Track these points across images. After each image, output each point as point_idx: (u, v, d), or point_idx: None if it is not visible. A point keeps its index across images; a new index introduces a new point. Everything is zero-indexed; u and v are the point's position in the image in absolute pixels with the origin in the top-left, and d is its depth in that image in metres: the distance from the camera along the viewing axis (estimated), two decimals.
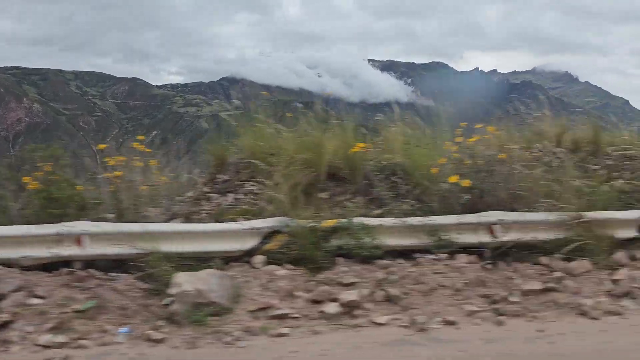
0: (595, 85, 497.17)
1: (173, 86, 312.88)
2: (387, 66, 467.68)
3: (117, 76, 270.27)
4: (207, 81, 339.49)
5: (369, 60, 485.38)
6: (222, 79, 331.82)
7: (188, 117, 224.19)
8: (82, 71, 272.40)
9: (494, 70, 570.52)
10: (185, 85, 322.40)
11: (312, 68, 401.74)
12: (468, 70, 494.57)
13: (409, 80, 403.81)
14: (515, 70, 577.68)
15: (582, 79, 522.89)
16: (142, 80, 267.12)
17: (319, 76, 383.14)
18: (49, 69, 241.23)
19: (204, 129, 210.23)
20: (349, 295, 4.30)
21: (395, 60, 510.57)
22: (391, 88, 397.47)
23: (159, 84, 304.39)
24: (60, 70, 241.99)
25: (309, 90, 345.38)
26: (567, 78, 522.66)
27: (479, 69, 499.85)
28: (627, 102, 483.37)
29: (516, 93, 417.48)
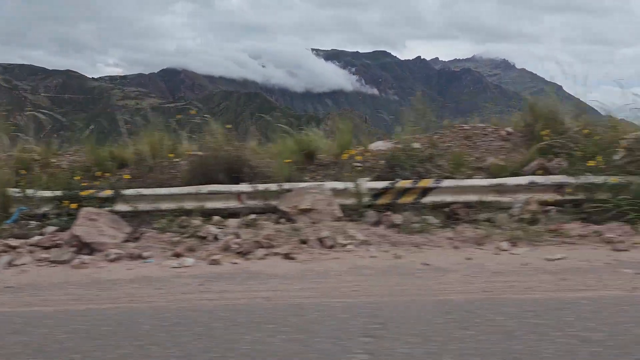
0: (531, 72, 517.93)
1: (112, 78, 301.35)
2: (332, 55, 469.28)
3: (50, 69, 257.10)
4: (147, 73, 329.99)
5: (313, 49, 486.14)
6: (163, 70, 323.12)
7: (127, 110, 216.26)
8: (12, 64, 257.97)
9: (436, 59, 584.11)
10: (125, 77, 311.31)
11: (256, 58, 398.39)
12: (411, 59, 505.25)
13: (353, 69, 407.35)
14: (456, 58, 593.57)
15: (518, 66, 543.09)
16: (77, 72, 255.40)
17: (263, 66, 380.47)
18: None
19: (143, 123, 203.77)
20: None
21: (340, 49, 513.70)
22: (336, 77, 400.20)
23: (95, 77, 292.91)
24: None
25: (252, 80, 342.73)
26: (505, 65, 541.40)
27: (421, 57, 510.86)
28: (560, 87, 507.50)
29: (457, 80, 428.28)
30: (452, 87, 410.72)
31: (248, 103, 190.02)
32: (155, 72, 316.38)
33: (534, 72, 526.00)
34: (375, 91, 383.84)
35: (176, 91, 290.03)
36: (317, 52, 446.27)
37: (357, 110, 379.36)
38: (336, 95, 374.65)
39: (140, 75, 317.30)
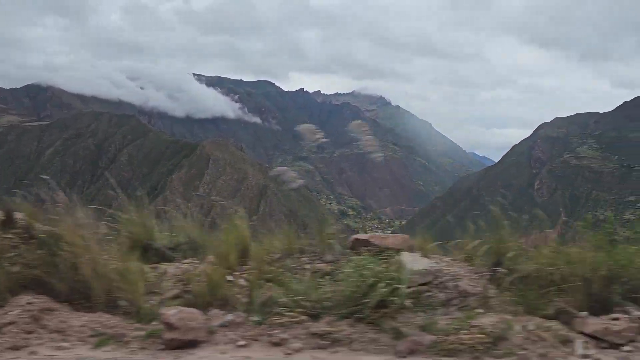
0: (405, 109, 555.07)
1: None
2: (214, 81, 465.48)
3: None
4: (8, 88, 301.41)
5: (195, 74, 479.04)
6: (27, 85, 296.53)
7: None
8: None
9: (318, 92, 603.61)
10: None
11: (134, 79, 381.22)
12: (294, 90, 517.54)
13: (236, 97, 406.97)
14: (337, 92, 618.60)
15: (394, 103, 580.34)
16: None
17: (142, 88, 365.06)
18: None
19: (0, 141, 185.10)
20: None
21: (223, 76, 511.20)
22: (218, 104, 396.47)
23: None
24: None
25: (129, 102, 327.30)
26: (382, 102, 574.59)
27: (304, 89, 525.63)
28: (430, 125, 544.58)
29: (337, 113, 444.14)
30: (332, 120, 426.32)
31: (120, 125, 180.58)
32: (18, 87, 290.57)
33: (407, 110, 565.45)
34: (257, 120, 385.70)
35: (41, 109, 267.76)
36: (199, 77, 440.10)
37: (239, 138, 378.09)
38: (218, 121, 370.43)
39: (0, 90, 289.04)
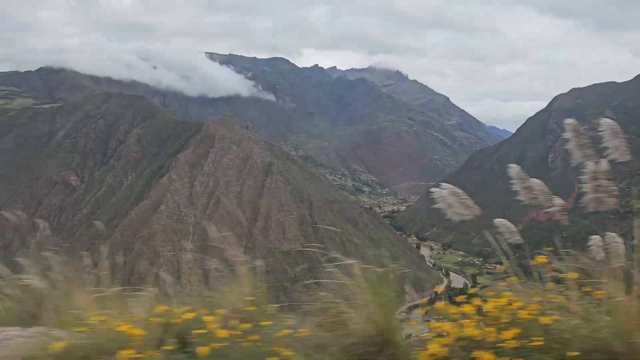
0: (421, 84, 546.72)
1: None
2: (228, 60, 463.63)
3: None
4: (23, 70, 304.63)
5: (208, 53, 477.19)
6: (41, 68, 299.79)
7: None
8: None
9: (334, 67, 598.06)
10: None
11: (146, 60, 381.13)
12: (309, 67, 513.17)
13: (249, 74, 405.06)
14: (353, 68, 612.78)
15: (410, 78, 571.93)
16: None
17: (154, 67, 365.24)
18: None
19: (11, 124, 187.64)
20: None
21: (237, 54, 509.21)
22: (232, 82, 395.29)
23: None
24: None
25: (142, 82, 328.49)
26: (398, 76, 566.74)
27: (319, 66, 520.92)
28: (447, 99, 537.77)
29: (352, 89, 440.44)
30: (347, 96, 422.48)
31: (130, 106, 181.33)
32: (32, 70, 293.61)
33: (424, 84, 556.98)
34: (272, 97, 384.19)
35: (55, 91, 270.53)
36: (212, 56, 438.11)
37: (253, 116, 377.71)
38: (232, 100, 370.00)
39: (15, 72, 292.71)
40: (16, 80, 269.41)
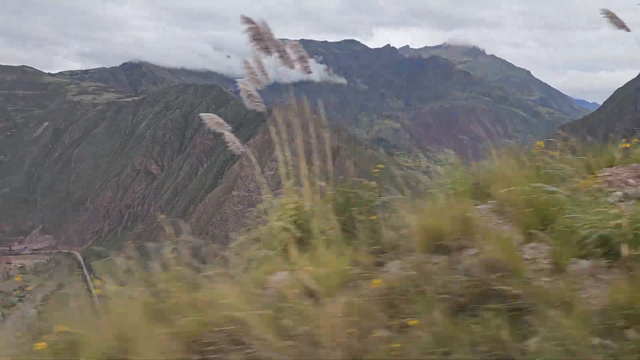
0: (500, 58, 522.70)
1: (72, 73, 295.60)
2: (300, 45, 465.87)
3: (4, 65, 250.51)
4: (108, 67, 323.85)
5: (280, 39, 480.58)
6: (125, 64, 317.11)
7: (82, 105, 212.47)
8: None
9: (407, 47, 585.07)
10: (86, 72, 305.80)
11: (219, 49, 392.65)
12: (380, 47, 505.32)
13: (320, 58, 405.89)
14: (427, 46, 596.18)
15: (488, 52, 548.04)
16: (32, 68, 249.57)
17: (228, 56, 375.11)
18: None
19: (99, 117, 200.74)
20: None
21: (308, 39, 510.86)
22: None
23: (54, 72, 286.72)
24: None
25: (216, 71, 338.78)
26: (475, 52, 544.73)
27: (391, 45, 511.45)
28: (528, 72, 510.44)
29: (424, 68, 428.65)
30: (420, 75, 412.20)
31: (204, 95, 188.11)
32: (117, 65, 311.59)
33: (503, 58, 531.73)
34: (342, 80, 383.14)
35: (138, 85, 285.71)
36: (283, 41, 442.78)
37: (326, 99, 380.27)
38: (304, 85, 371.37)
39: (102, 69, 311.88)
40: (103, 76, 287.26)
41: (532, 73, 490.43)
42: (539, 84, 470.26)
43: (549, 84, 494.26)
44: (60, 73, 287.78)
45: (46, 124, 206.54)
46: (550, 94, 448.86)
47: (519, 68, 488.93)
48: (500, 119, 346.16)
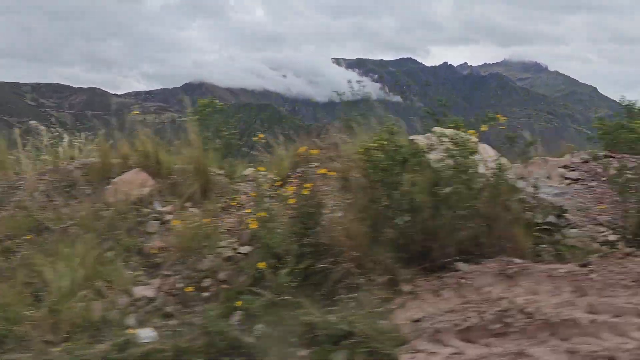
0: (564, 74, 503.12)
1: (137, 94, 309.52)
2: (355, 64, 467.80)
3: (76, 87, 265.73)
4: (170, 87, 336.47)
5: (334, 59, 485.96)
6: (185, 84, 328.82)
7: (145, 124, 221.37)
8: (40, 83, 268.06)
9: (464, 64, 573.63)
10: (150, 92, 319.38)
11: (275, 69, 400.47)
12: (437, 65, 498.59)
13: (375, 77, 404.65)
14: (486, 63, 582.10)
15: (551, 68, 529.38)
16: (101, 89, 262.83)
17: (284, 76, 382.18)
18: (4, 82, 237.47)
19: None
20: None
21: (364, 57, 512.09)
22: (357, 86, 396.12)
23: (121, 93, 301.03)
24: (16, 83, 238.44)
25: (273, 91, 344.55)
26: (537, 68, 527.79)
27: (448, 63, 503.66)
28: (595, 89, 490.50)
29: (483, 85, 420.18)
30: (477, 92, 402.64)
31: (259, 114, 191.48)
32: (178, 86, 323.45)
33: (567, 75, 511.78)
34: (398, 98, 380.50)
35: (197, 105, 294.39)
36: (337, 61, 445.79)
37: (379, 117, 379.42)
38: (359, 103, 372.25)
39: (164, 90, 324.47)
40: (165, 96, 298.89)
41: (599, 90, 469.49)
42: (606, 101, 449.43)
43: (617, 100, 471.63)
44: (127, 94, 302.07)
45: (111, 141, 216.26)
46: (619, 111, 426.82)
47: (585, 84, 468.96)
48: (565, 137, 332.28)
